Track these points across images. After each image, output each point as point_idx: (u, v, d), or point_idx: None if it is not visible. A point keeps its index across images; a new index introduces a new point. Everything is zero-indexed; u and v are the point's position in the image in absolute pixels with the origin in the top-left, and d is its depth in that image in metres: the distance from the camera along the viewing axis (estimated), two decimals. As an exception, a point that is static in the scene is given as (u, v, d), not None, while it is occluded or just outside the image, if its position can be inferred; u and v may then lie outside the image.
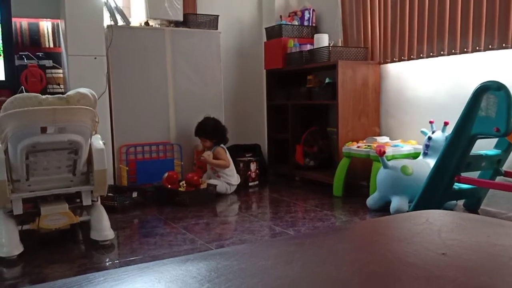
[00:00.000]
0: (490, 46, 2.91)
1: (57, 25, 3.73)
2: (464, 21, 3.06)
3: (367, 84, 3.74)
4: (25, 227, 2.37)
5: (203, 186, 3.52)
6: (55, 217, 2.39)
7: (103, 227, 2.49)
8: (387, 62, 3.72)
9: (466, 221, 1.11)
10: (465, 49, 3.07)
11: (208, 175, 3.78)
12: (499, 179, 2.80)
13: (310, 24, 4.39)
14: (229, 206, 3.44)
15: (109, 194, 3.15)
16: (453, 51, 3.15)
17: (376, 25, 3.77)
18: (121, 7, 3.87)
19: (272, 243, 1.05)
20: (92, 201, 2.53)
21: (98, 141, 2.49)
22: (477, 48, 2.99)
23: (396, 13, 3.57)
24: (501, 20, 2.84)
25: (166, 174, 3.51)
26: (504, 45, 2.84)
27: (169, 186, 3.46)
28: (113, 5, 3.76)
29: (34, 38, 3.67)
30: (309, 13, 4.38)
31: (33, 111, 2.16)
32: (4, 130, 2.20)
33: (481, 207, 2.97)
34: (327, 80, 3.92)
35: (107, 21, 3.65)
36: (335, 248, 0.90)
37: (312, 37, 4.15)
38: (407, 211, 2.79)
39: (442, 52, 3.23)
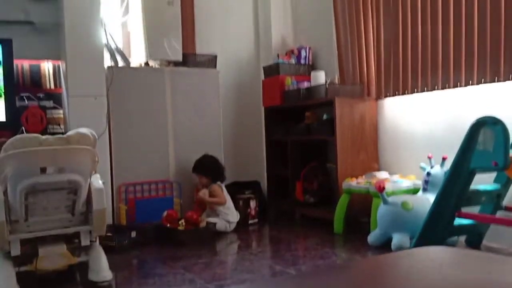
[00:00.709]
0: (482, 80, 2.96)
1: (58, 66, 3.79)
2: (456, 55, 3.12)
3: (364, 119, 3.77)
4: (23, 268, 2.34)
5: (203, 224, 3.49)
6: (53, 258, 2.36)
7: (101, 268, 2.45)
8: (383, 98, 3.77)
9: (467, 258, 1.10)
10: (458, 83, 3.12)
11: (207, 213, 3.76)
12: (500, 214, 2.78)
13: (307, 62, 4.46)
14: (229, 244, 3.41)
15: (108, 234, 3.12)
16: (447, 85, 3.20)
17: (372, 61, 3.84)
18: (121, 48, 3.95)
19: (272, 284, 1.04)
20: (91, 241, 2.51)
21: (97, 181, 2.49)
22: (470, 82, 3.04)
23: (389, 49, 3.65)
24: (492, 53, 2.89)
25: (165, 213, 3.49)
26: (496, 78, 2.88)
27: (168, 225, 3.44)
28: (113, 46, 3.84)
29: (35, 79, 3.72)
30: (306, 51, 4.46)
31: (33, 151, 2.17)
32: (4, 171, 2.20)
33: (483, 242, 2.94)
34: (325, 116, 3.96)
35: (107, 62, 3.72)
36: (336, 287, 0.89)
37: (309, 75, 4.21)
38: (409, 248, 2.76)
39: (436, 86, 3.27)
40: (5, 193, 2.25)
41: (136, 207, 3.64)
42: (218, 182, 3.80)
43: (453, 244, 2.96)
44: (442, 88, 3.23)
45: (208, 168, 3.81)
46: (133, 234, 3.30)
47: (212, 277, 2.54)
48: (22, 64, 3.67)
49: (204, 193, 3.68)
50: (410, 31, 3.46)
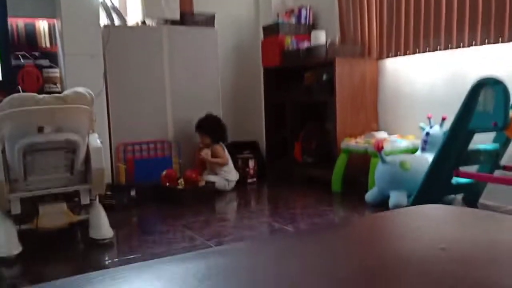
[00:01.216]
0: (486, 41, 2.91)
1: (53, 24, 3.71)
2: (460, 16, 3.05)
3: (364, 80, 3.74)
4: (24, 227, 2.37)
5: (202, 183, 3.52)
6: (53, 217, 2.39)
7: (102, 226, 2.49)
8: (384, 58, 3.72)
9: (465, 215, 1.11)
10: (461, 44, 3.07)
11: (207, 171, 3.78)
12: (497, 173, 2.80)
13: (307, 22, 4.38)
14: (228, 203, 3.44)
15: (107, 193, 3.14)
16: (449, 45, 3.14)
17: (373, 21, 3.76)
18: (117, 7, 3.86)
19: (271, 240, 1.05)
20: (90, 200, 2.53)
21: (95, 140, 2.49)
22: (473, 42, 2.99)
23: (392, 9, 3.57)
24: (497, 14, 2.83)
25: (164, 172, 3.51)
26: (500, 39, 2.83)
27: (168, 184, 3.46)
28: (109, 4, 3.75)
29: (30, 37, 3.65)
30: (306, 11, 4.37)
31: (30, 111, 2.15)
32: (1, 130, 2.19)
33: (480, 201, 2.98)
34: (324, 77, 3.92)
35: (103, 20, 3.64)
36: (334, 245, 0.90)
37: (309, 35, 4.14)
38: (406, 206, 2.79)
39: (438, 47, 3.22)
40: (3, 152, 2.25)
41: (135, 166, 3.65)
42: (220, 142, 3.81)
43: (450, 202, 2.99)
44: (445, 49, 3.18)
45: (211, 128, 3.80)
46: (133, 192, 3.33)
47: (211, 234, 2.57)
48: (17, 22, 3.59)
49: (206, 153, 3.70)
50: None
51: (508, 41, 2.80)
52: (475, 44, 2.98)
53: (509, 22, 2.78)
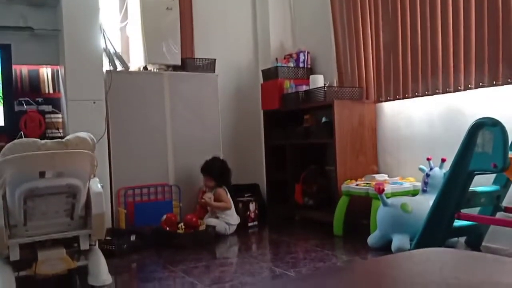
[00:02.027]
0: (480, 84, 2.97)
1: (57, 71, 3.79)
2: (455, 60, 3.13)
3: (363, 122, 3.78)
4: (22, 273, 2.33)
5: (202, 227, 3.49)
6: (52, 263, 2.35)
7: (101, 272, 2.44)
8: (382, 101, 3.77)
9: (467, 259, 1.10)
10: (458, 87, 3.12)
11: (210, 215, 3.76)
12: (499, 215, 2.78)
13: (305, 66, 4.47)
14: (229, 247, 3.40)
15: (107, 238, 3.11)
16: (447, 89, 3.19)
17: (370, 65, 3.84)
18: (120, 53, 3.95)
19: (273, 285, 1.03)
20: (90, 245, 2.50)
21: (96, 185, 2.49)
22: (469, 86, 3.04)
23: (389, 53, 3.65)
24: (490, 58, 2.90)
25: (164, 216, 3.49)
26: (494, 82, 2.89)
27: (168, 228, 3.43)
28: (112, 50, 3.84)
29: (34, 84, 3.72)
30: (304, 55, 4.47)
31: (32, 156, 2.16)
32: (2, 176, 2.20)
33: (483, 243, 2.94)
34: (323, 120, 3.96)
35: (106, 66, 3.72)
36: (336, 290, 0.89)
37: (308, 78, 4.22)
38: (409, 250, 2.76)
39: (436, 90, 3.27)
40: (4, 197, 2.25)
41: (135, 210, 3.63)
42: (223, 186, 3.80)
43: (453, 245, 2.96)
44: (443, 92, 3.22)
45: (217, 171, 3.82)
46: (133, 237, 3.29)
47: (212, 280, 2.53)
48: (21, 69, 3.67)
49: (209, 198, 3.68)
50: (409, 35, 3.46)
51: (502, 84, 2.85)
52: (470, 88, 3.03)
53: (502, 66, 2.85)
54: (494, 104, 2.92)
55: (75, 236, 2.48)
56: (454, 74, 3.14)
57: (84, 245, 2.46)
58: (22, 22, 3.60)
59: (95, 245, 2.56)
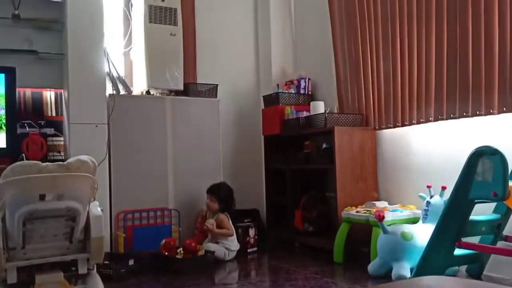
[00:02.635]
0: (477, 112, 2.99)
1: (60, 94, 3.83)
2: (451, 88, 3.17)
3: (363, 149, 3.79)
4: (18, 297, 2.31)
5: (201, 252, 3.46)
6: (50, 286, 2.33)
7: (99, 297, 2.42)
8: (382, 128, 3.79)
9: (468, 287, 1.10)
10: (456, 114, 3.15)
11: (209, 239, 3.73)
12: (500, 244, 2.77)
13: (306, 92, 4.51)
14: (228, 274, 3.37)
15: (105, 262, 3.09)
16: (451, 115, 3.20)
17: (370, 92, 3.88)
18: (123, 77, 4.00)
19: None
20: (88, 269, 2.48)
21: (96, 208, 2.48)
22: (464, 114, 3.07)
23: (389, 81, 3.69)
24: (487, 87, 2.93)
25: (163, 241, 3.46)
26: (491, 111, 2.91)
27: (167, 253, 3.41)
28: (115, 74, 3.89)
29: (37, 106, 3.75)
30: (305, 82, 4.52)
31: (32, 178, 2.17)
32: (2, 198, 2.20)
33: (484, 272, 2.92)
34: (324, 145, 3.98)
35: (109, 90, 3.75)
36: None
37: (309, 104, 4.25)
38: (409, 278, 2.74)
39: (440, 117, 3.28)
40: (3, 220, 2.24)
41: (134, 234, 3.61)
42: (225, 212, 3.79)
43: (454, 274, 2.93)
44: (447, 119, 3.24)
45: (223, 194, 3.82)
46: (131, 262, 3.27)
47: (210, 307, 2.50)
48: (25, 91, 3.70)
49: (212, 224, 3.66)
50: (407, 64, 3.51)
51: (498, 113, 2.88)
52: (466, 116, 3.07)
53: (498, 95, 2.88)
54: (494, 132, 2.94)
55: (73, 260, 2.46)
56: (448, 102, 3.18)
57: (82, 269, 2.44)
58: (27, 45, 3.66)
59: (93, 269, 2.54)
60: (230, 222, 3.78)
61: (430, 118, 3.33)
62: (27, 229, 2.27)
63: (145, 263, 3.41)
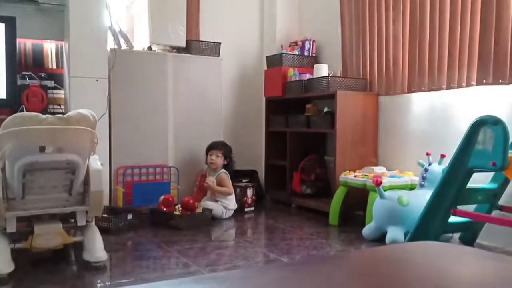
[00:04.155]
0: (484, 81, 2.96)
1: (61, 46, 3.77)
2: (461, 56, 3.11)
3: (365, 114, 3.77)
4: (18, 245, 2.35)
5: (199, 210, 3.51)
6: (48, 237, 2.37)
7: (96, 249, 2.46)
8: (385, 94, 3.76)
9: (463, 254, 1.11)
10: (462, 84, 3.11)
11: (207, 197, 3.78)
12: (495, 213, 2.80)
13: (310, 54, 4.45)
14: (224, 231, 3.42)
15: (104, 215, 3.13)
16: (451, 85, 3.18)
17: (375, 57, 3.82)
18: (125, 31, 3.93)
19: (267, 269, 1.04)
20: (87, 221, 2.52)
21: (96, 162, 2.50)
22: (471, 83, 3.03)
23: (396, 47, 3.62)
24: (496, 55, 2.88)
25: (162, 197, 3.50)
26: (500, 80, 2.88)
27: (165, 209, 3.45)
28: (117, 29, 3.82)
29: (37, 58, 3.71)
30: (310, 44, 4.45)
31: (32, 130, 2.16)
32: (2, 148, 2.20)
33: (477, 241, 2.96)
34: (325, 109, 3.96)
35: (110, 44, 3.70)
36: (330, 276, 0.90)
37: (312, 67, 4.20)
38: (403, 242, 2.78)
39: (442, 86, 3.26)
40: (2, 170, 2.26)
41: (133, 190, 3.64)
42: (225, 171, 3.82)
43: (447, 241, 2.98)
44: (447, 88, 3.21)
45: (228, 151, 3.86)
46: (129, 216, 3.31)
47: (206, 262, 2.55)
48: (25, 42, 3.65)
49: (212, 182, 3.69)
50: (418, 30, 3.43)
51: (509, 83, 2.84)
52: (472, 85, 3.03)
53: (510, 65, 2.83)
54: (497, 102, 2.91)
55: (72, 212, 2.49)
56: (458, 71, 3.13)
57: (81, 221, 2.48)
58: (28, -6, 3.58)
59: (92, 221, 2.58)
60: (230, 181, 3.81)
61: (434, 87, 3.30)
62: (27, 180, 2.29)
63: (143, 218, 3.46)
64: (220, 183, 3.74)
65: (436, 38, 3.27)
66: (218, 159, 3.80)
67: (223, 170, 3.81)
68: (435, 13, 3.29)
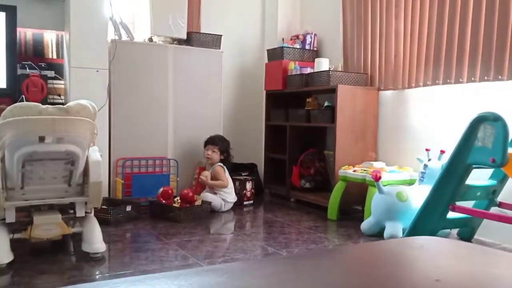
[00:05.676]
0: (485, 78, 2.95)
1: (61, 36, 3.76)
2: (460, 52, 3.10)
3: (365, 109, 3.77)
4: (17, 235, 2.35)
5: (198, 202, 3.51)
6: (47, 227, 2.38)
7: (95, 240, 2.47)
8: (385, 89, 3.75)
9: (461, 249, 1.11)
10: (460, 80, 3.11)
11: (207, 190, 3.78)
12: (493, 209, 2.80)
13: (312, 48, 4.44)
14: (223, 224, 3.43)
15: (103, 207, 3.14)
16: (447, 80, 3.18)
17: (376, 52, 3.81)
18: (125, 22, 3.91)
19: (265, 262, 1.04)
20: (86, 212, 2.52)
21: (95, 153, 2.50)
22: (472, 79, 3.03)
23: (398, 42, 3.61)
24: (498, 51, 2.87)
25: (161, 189, 3.50)
26: (499, 77, 2.87)
27: (164, 201, 3.45)
28: (118, 20, 3.81)
29: (38, 48, 3.69)
30: (311, 38, 4.44)
31: (32, 120, 2.16)
32: (2, 138, 2.20)
33: (475, 237, 2.97)
34: (326, 103, 3.95)
35: (111, 35, 3.69)
36: (328, 270, 0.90)
37: (313, 61, 4.19)
38: (401, 237, 2.78)
39: (438, 81, 3.25)
40: (2, 160, 2.25)
41: (133, 182, 3.64)
42: (221, 164, 3.81)
43: (445, 237, 2.98)
44: (443, 84, 3.22)
45: (225, 146, 3.86)
46: (128, 208, 3.32)
47: (204, 255, 2.56)
48: (25, 32, 3.64)
49: (206, 176, 3.70)
50: (418, 26, 3.42)
51: (507, 79, 2.83)
52: (474, 81, 3.02)
53: (509, 61, 2.82)
54: (498, 98, 2.91)
55: (71, 203, 2.50)
56: (456, 67, 3.12)
57: (80, 212, 2.48)
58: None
59: (90, 213, 2.58)
60: (227, 174, 3.81)
61: (437, 81, 3.29)
62: (26, 170, 2.29)
63: (142, 210, 3.46)
64: (215, 177, 3.74)
65: (438, 34, 3.26)
66: (214, 154, 3.80)
67: (219, 163, 3.81)
68: (436, 9, 3.27)
